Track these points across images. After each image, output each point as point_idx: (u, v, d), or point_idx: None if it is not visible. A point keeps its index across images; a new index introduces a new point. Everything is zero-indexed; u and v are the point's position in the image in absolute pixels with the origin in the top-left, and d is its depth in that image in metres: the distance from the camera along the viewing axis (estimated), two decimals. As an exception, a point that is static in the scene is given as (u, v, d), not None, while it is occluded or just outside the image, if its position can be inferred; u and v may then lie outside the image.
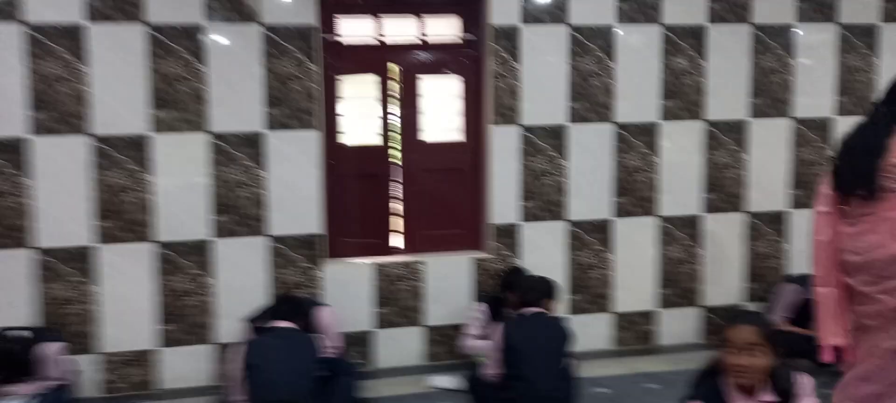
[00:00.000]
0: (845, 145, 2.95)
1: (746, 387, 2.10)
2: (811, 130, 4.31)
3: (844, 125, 4.31)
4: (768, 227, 4.35)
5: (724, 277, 4.35)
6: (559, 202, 4.11)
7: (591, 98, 4.07)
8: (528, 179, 4.06)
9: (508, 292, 3.64)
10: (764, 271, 4.37)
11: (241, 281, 3.83)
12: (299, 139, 3.83)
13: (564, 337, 3.08)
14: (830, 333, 2.94)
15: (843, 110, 4.32)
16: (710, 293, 4.34)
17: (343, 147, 4.10)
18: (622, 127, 4.12)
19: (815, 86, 4.28)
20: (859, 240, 2.79)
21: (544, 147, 4.06)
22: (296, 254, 3.89)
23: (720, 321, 4.34)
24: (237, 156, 3.78)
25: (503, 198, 4.06)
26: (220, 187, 3.78)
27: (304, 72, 3.80)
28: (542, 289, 3.30)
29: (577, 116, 4.07)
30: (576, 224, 4.14)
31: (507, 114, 4.00)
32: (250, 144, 3.79)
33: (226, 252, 3.81)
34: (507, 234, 4.08)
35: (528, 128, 4.03)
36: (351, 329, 3.95)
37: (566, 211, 4.12)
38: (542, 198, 4.09)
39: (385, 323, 4.03)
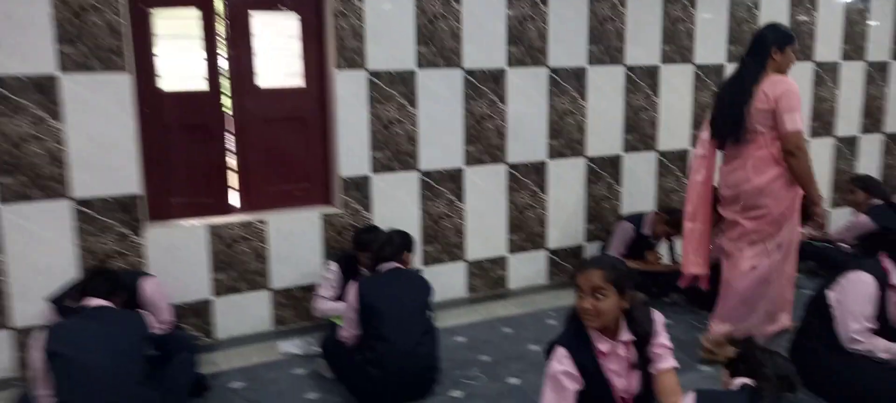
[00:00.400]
0: (719, 96, 3.32)
1: (606, 329, 2.12)
2: (641, 78, 4.57)
3: (669, 72, 4.65)
4: (605, 170, 4.58)
5: (566, 220, 4.52)
6: (410, 151, 3.95)
7: (438, 42, 3.91)
8: (377, 128, 3.84)
9: (362, 252, 3.44)
10: (601, 212, 4.62)
11: (38, 254, 3.21)
12: (105, 83, 3.23)
13: (424, 291, 2.96)
14: (692, 263, 3.37)
15: (668, 59, 4.62)
16: (553, 236, 4.50)
17: (163, 93, 3.56)
18: (470, 73, 4.03)
19: (644, 36, 4.51)
20: (730, 177, 3.20)
21: (393, 93, 3.85)
22: (109, 219, 3.33)
23: (563, 262, 4.54)
24: (23, 105, 3.10)
25: (351, 148, 3.80)
26: (3, 143, 3.09)
27: (104, 3, 3.18)
28: (399, 243, 3.14)
29: (426, 61, 3.90)
30: (427, 174, 4.02)
31: (352, 58, 3.72)
32: (40, 90, 3.12)
33: (15, 220, 3.16)
34: (357, 187, 3.85)
35: (375, 73, 3.79)
36: (184, 299, 3.52)
37: (418, 161, 3.98)
38: (393, 148, 3.90)
39: (225, 289, 3.64)
